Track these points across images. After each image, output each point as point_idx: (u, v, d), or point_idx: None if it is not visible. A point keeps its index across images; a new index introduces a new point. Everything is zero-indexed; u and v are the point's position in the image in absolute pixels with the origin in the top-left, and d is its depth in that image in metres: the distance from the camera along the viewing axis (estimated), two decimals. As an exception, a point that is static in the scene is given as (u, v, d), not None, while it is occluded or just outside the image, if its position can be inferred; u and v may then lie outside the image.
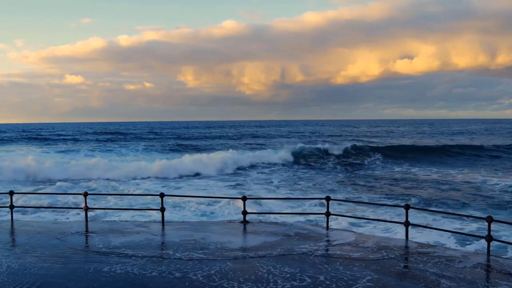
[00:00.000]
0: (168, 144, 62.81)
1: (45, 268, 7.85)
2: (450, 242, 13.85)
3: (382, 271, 7.64)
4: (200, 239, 9.94)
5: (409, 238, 10.00)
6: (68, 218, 17.22)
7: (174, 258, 8.44)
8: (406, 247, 9.43)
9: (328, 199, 11.10)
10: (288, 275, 7.40)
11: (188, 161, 37.90)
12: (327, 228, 11.14)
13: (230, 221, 12.64)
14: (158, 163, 35.60)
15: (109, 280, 7.19)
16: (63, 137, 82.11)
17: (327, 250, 9.21)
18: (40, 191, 24.92)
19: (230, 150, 44.79)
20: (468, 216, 12.54)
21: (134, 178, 31.76)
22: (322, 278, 7.26)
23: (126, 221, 13.37)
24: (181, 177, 33.00)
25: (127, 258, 8.39)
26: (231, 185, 28.43)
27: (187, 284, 7.01)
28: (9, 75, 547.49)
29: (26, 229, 11.35)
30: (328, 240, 10.11)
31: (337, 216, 13.84)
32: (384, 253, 8.80)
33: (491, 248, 8.90)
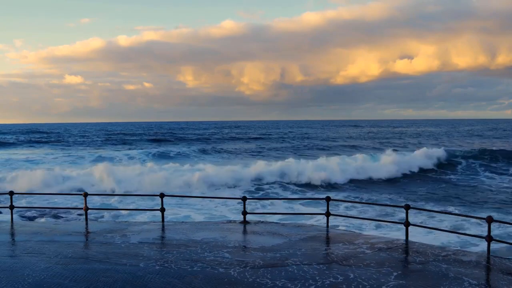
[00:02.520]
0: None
1: (45, 269, 7.83)
2: (450, 241, 13.86)
3: (398, 269, 7.70)
4: (220, 237, 10.10)
5: (410, 239, 9.99)
6: (68, 219, 17.21)
7: (206, 256, 8.53)
8: (409, 247, 9.42)
9: (328, 199, 11.09)
10: (317, 272, 7.53)
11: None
12: (327, 228, 11.13)
13: (230, 221, 12.64)
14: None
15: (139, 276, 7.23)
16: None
17: (336, 249, 9.20)
18: (40, 192, 24.91)
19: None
20: (468, 216, 12.54)
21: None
22: (352, 276, 7.33)
23: (126, 221, 13.37)
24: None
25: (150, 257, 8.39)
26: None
27: (225, 280, 7.15)
28: (9, 75, 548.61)
29: (25, 229, 11.34)
30: (332, 240, 10.10)
31: (338, 216, 13.84)
32: (389, 253, 8.80)
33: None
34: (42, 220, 16.90)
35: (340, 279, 7.19)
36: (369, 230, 15.08)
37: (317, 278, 7.26)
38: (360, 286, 6.87)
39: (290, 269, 7.70)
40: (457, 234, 13.13)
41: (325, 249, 9.31)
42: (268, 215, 16.57)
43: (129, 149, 56.56)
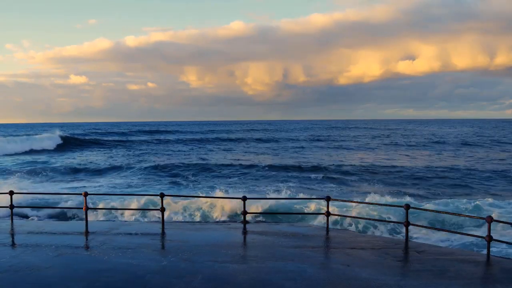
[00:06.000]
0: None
1: (45, 268, 7.83)
2: (450, 241, 13.84)
3: (398, 269, 7.67)
4: (220, 237, 10.22)
5: (410, 238, 10.00)
6: (68, 219, 17.22)
7: (205, 255, 8.51)
8: (409, 246, 9.41)
9: (328, 199, 11.08)
10: (317, 271, 7.54)
11: None
12: (327, 227, 11.12)
13: (230, 221, 12.64)
14: None
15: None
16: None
17: (335, 249, 9.20)
18: (40, 191, 24.90)
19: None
20: (468, 216, 12.52)
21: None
22: (352, 275, 7.33)
23: (126, 221, 13.37)
24: None
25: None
26: None
27: (225, 280, 7.11)
28: (15, 75, 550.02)
29: (25, 229, 11.33)
30: (332, 240, 10.10)
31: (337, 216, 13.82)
32: (389, 252, 8.80)
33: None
34: (42, 220, 16.89)
35: (340, 279, 7.20)
36: (369, 229, 15.06)
37: (316, 277, 7.28)
38: (360, 285, 6.87)
39: (290, 268, 7.71)
40: (457, 234, 13.11)
41: (325, 248, 9.31)
42: (267, 214, 16.55)
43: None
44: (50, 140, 59.14)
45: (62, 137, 61.16)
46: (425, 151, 52.16)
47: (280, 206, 18.55)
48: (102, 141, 67.89)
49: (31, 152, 52.02)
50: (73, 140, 63.28)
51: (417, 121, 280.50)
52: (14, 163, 40.09)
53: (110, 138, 74.58)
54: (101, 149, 57.57)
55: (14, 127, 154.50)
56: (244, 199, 11.45)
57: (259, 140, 77.65)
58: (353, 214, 15.86)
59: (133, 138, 79.45)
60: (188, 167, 36.38)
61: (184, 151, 54.69)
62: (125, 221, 13.43)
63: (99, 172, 34.91)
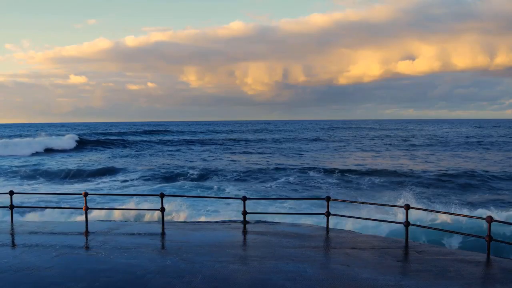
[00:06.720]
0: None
1: (45, 268, 7.83)
2: (450, 241, 13.85)
3: (398, 269, 7.66)
4: (220, 237, 10.23)
5: (409, 238, 9.99)
6: (68, 218, 17.22)
7: (205, 256, 8.52)
8: (409, 246, 9.41)
9: (328, 199, 11.08)
10: (317, 272, 7.50)
11: None
12: (327, 228, 11.12)
13: (230, 221, 12.64)
14: None
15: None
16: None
17: (335, 249, 9.20)
18: (40, 191, 24.92)
19: None
20: (468, 216, 12.51)
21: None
22: (352, 275, 7.32)
23: (125, 221, 13.36)
24: None
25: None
26: None
27: (225, 280, 7.10)
28: (15, 75, 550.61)
29: (25, 229, 11.34)
30: (332, 240, 10.10)
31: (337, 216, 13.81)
32: (389, 252, 8.80)
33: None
34: (42, 220, 16.89)
35: (340, 279, 7.20)
36: (369, 230, 15.06)
37: (316, 277, 7.27)
38: (360, 285, 6.87)
39: (290, 268, 7.71)
40: (457, 234, 13.10)
41: (325, 249, 9.31)
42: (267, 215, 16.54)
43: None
44: (53, 141, 59.41)
45: (63, 138, 61.42)
46: (425, 151, 52.37)
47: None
48: (101, 141, 67.92)
49: (34, 153, 52.14)
50: (76, 140, 63.51)
51: (417, 121, 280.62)
52: (17, 164, 40.11)
53: (110, 138, 74.56)
54: (101, 149, 57.62)
55: (14, 127, 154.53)
56: (244, 199, 11.45)
57: (259, 140, 77.86)
58: (353, 214, 15.85)
59: (133, 138, 79.42)
60: (189, 167, 36.43)
61: (184, 151, 54.72)
62: (125, 221, 13.42)
63: (99, 172, 34.94)
